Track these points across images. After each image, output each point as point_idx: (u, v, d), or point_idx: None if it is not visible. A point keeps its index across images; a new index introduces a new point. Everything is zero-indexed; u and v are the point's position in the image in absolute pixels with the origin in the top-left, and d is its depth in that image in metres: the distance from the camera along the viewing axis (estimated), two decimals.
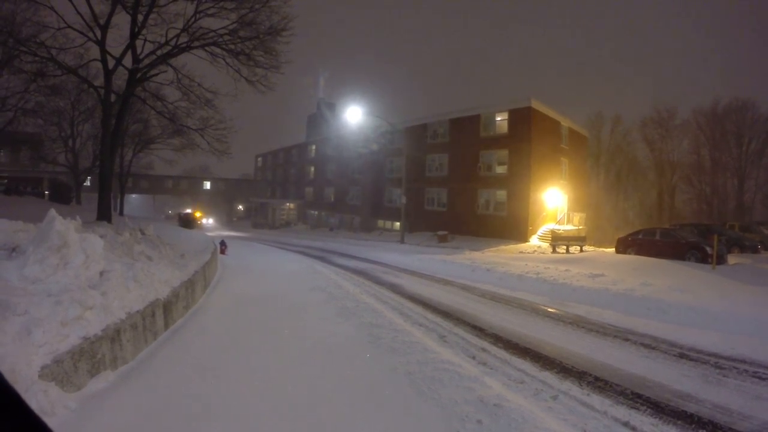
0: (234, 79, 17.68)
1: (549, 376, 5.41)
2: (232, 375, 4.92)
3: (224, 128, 19.82)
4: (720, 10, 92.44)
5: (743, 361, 6.08)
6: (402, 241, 27.42)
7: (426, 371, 5.21)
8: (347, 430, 3.85)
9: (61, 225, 4.96)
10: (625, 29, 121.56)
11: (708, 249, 15.79)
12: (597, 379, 5.36)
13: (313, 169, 52.27)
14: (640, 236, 19.37)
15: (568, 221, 28.39)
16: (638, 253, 17.97)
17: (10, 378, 0.68)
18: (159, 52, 16.77)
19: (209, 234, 26.29)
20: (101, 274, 5.26)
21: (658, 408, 4.53)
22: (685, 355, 6.37)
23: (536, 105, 27.58)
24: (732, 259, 17.01)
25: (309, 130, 60.13)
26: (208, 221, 54.99)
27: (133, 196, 59.99)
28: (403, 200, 27.73)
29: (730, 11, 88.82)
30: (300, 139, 60.09)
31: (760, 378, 5.45)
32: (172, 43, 16.58)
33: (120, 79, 18.85)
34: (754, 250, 20.39)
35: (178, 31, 16.52)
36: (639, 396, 4.83)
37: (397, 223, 32.71)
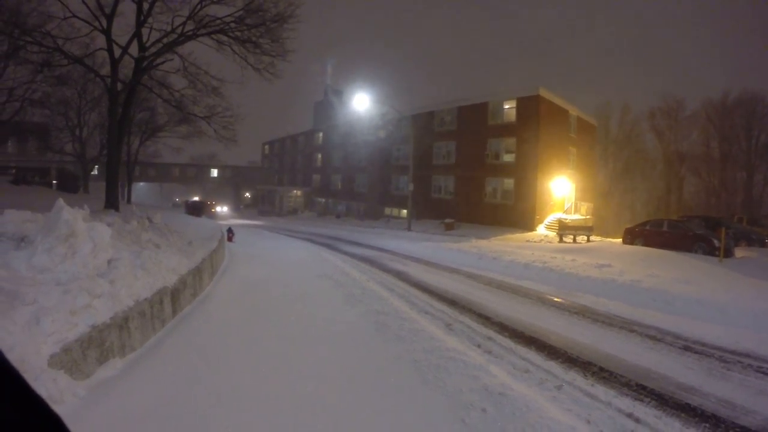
0: (241, 67, 17.63)
1: (554, 366, 5.43)
2: (239, 363, 4.96)
3: (231, 116, 19.82)
4: (731, 0, 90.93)
5: (748, 356, 6.06)
6: (409, 229, 27.44)
7: (431, 359, 5.24)
8: (353, 419, 3.89)
9: (69, 214, 5.00)
10: (635, 19, 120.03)
11: (715, 242, 15.67)
12: (602, 369, 5.37)
13: (320, 156, 52.21)
14: (647, 227, 19.26)
15: (576, 211, 28.28)
16: (645, 244, 17.90)
17: (19, 367, 0.70)
18: (165, 40, 16.71)
19: (222, 222, 26.37)
20: (109, 262, 5.31)
21: (662, 400, 4.54)
22: (689, 347, 6.36)
23: (544, 93, 27.34)
24: (739, 252, 16.87)
25: (316, 118, 60.01)
26: (222, 209, 53.10)
27: (141, 184, 60.31)
28: (411, 188, 27.70)
29: (742, 2, 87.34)
30: (307, 126, 60.03)
31: (764, 373, 5.44)
32: (178, 31, 16.51)
33: (126, 68, 18.83)
34: (762, 244, 20.22)
35: (184, 19, 16.44)
36: (643, 387, 4.84)
37: (404, 211, 32.68)
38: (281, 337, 6.00)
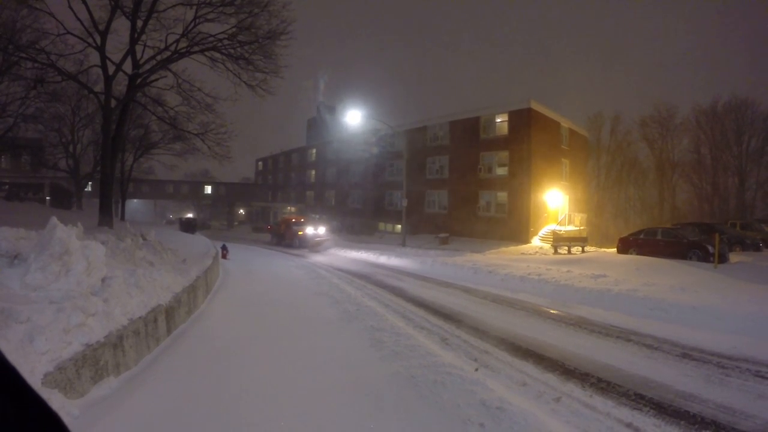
0: (234, 84, 17.76)
1: (552, 378, 5.41)
2: (234, 381, 4.91)
3: (224, 133, 19.91)
4: (718, 8, 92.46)
5: (746, 360, 6.07)
6: (403, 244, 27.35)
7: (428, 375, 5.19)
8: None
9: (63, 232, 4.97)
10: (624, 28, 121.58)
11: (710, 248, 15.75)
12: (600, 380, 5.36)
13: (313, 172, 52.27)
14: (641, 236, 19.32)
15: (570, 222, 28.35)
16: (640, 253, 17.93)
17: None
18: (159, 58, 16.83)
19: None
20: (103, 280, 5.27)
21: (661, 408, 4.52)
22: (687, 355, 6.36)
23: (536, 106, 27.58)
24: (734, 257, 16.97)
25: (309, 134, 60.22)
26: (317, 231, 30.01)
27: (135, 201, 59.93)
28: (404, 203, 27.68)
29: (729, 9, 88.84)
30: (300, 142, 60.20)
31: (762, 377, 5.44)
32: (172, 48, 16.64)
33: (120, 85, 18.92)
34: (756, 248, 20.33)
35: (178, 36, 16.59)
36: (642, 397, 4.83)
37: (398, 226, 32.66)
38: (276, 356, 5.95)
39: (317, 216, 44.06)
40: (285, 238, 30.26)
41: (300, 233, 29.22)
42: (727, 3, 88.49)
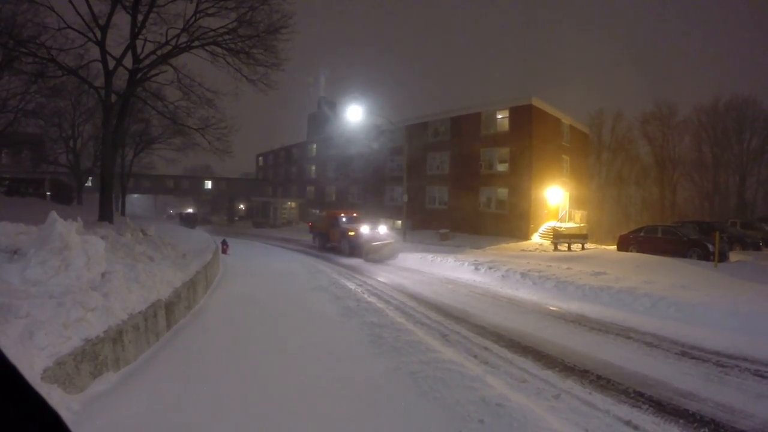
0: (234, 78, 17.72)
1: (551, 375, 5.42)
2: (233, 377, 4.91)
3: (225, 127, 19.86)
4: (720, 6, 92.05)
5: (745, 359, 6.07)
6: (404, 240, 27.33)
7: (428, 371, 5.19)
8: None
9: (63, 227, 4.96)
10: (626, 25, 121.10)
11: (710, 246, 15.73)
12: (599, 377, 5.36)
13: (314, 167, 52.23)
14: (641, 234, 19.30)
15: (570, 219, 28.36)
16: (640, 250, 17.92)
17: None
18: (159, 52, 16.78)
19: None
20: (103, 275, 5.27)
21: (660, 406, 4.53)
22: (686, 353, 6.37)
23: (537, 103, 27.51)
24: (734, 256, 16.97)
25: (310, 129, 60.11)
26: (379, 231, 22.39)
27: (135, 195, 59.84)
28: (405, 199, 27.60)
29: (730, 7, 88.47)
30: (301, 137, 60.11)
31: (761, 376, 5.45)
32: (173, 42, 16.59)
33: (120, 80, 18.85)
34: (756, 247, 20.33)
35: (178, 31, 16.54)
36: (641, 395, 4.83)
37: (399, 222, 32.61)
38: (276, 351, 5.94)
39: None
40: (330, 239, 23.73)
41: (351, 233, 21.62)
42: (729, 1, 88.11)
